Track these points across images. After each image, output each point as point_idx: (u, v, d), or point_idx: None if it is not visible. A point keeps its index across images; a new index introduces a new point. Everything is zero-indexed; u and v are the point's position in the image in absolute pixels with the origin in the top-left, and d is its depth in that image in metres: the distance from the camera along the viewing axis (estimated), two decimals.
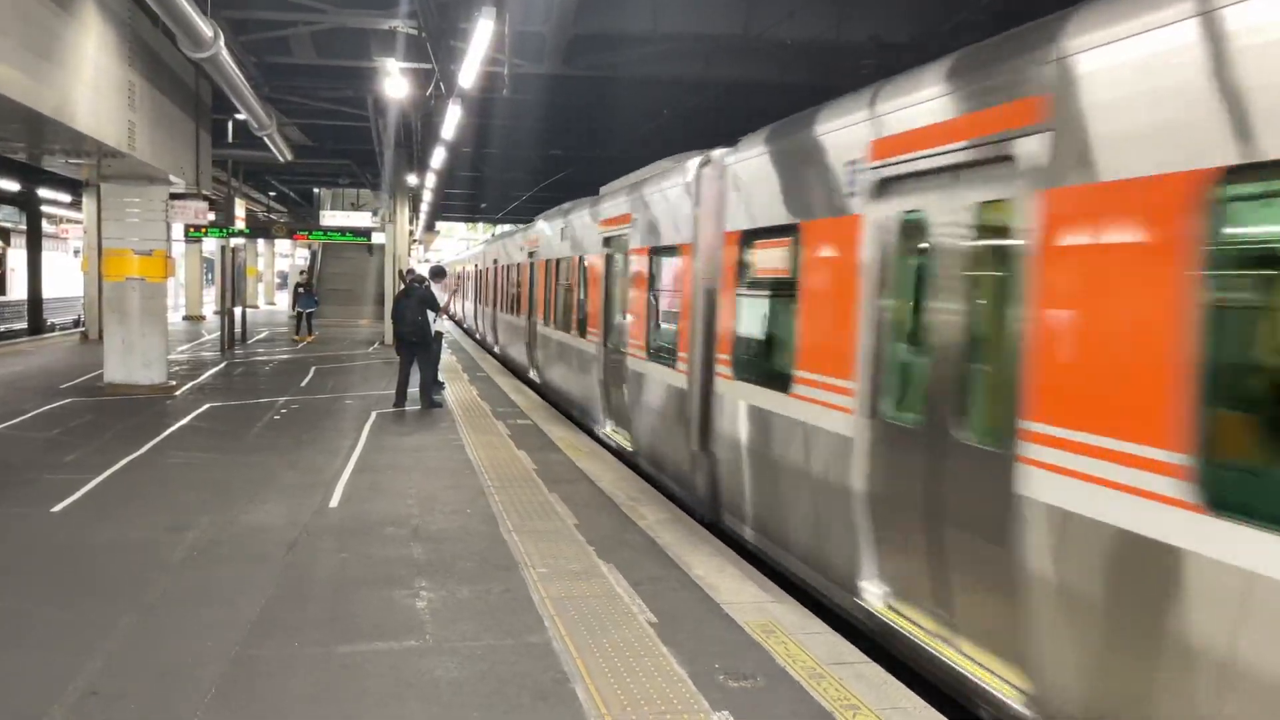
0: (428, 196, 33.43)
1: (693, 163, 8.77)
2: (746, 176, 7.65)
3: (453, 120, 16.66)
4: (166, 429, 11.77)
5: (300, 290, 28.65)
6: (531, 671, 4.79)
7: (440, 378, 15.06)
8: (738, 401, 7.51)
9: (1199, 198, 3.43)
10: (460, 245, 61.92)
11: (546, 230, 17.03)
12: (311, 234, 27.22)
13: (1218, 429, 3.40)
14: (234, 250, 24.47)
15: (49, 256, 36.91)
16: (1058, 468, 4.00)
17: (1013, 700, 4.28)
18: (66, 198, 31.07)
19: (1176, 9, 3.59)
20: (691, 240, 8.64)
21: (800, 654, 5.05)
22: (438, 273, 16.81)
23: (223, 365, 19.61)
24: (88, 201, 25.13)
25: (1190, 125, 3.48)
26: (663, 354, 9.43)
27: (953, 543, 4.76)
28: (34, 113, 9.50)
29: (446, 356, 19.36)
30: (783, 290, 6.87)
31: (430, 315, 13.87)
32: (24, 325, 32.47)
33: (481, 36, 10.75)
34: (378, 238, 25.19)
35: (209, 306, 37.85)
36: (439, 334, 14.71)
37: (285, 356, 21.80)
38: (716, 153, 8.55)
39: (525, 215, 34.84)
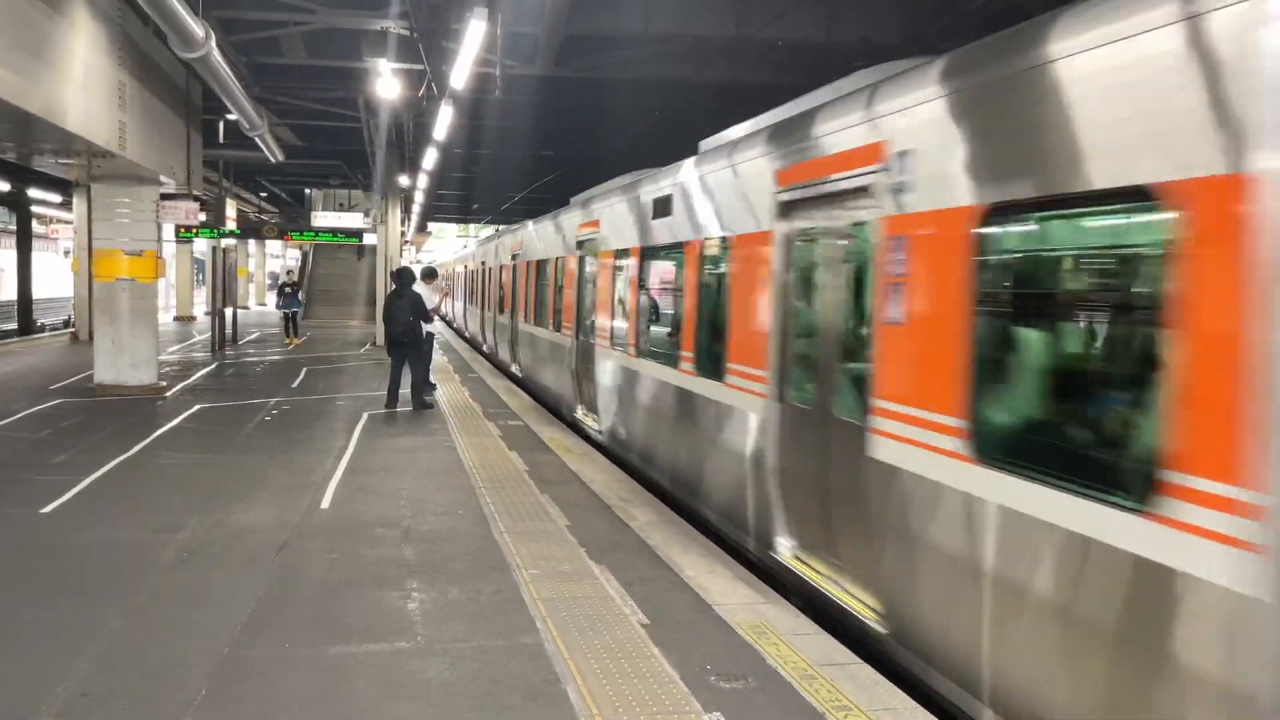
0: (419, 197, 33.40)
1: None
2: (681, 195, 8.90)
3: (444, 121, 16.64)
4: (157, 430, 11.74)
5: (287, 290, 27.59)
6: (523, 672, 4.80)
7: (432, 379, 15.07)
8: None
9: (969, 226, 4.46)
10: (458, 245, 61.75)
11: (521, 236, 19.28)
12: (302, 235, 27.14)
13: (983, 403, 4.46)
14: (225, 251, 24.37)
15: (39, 257, 36.72)
16: (890, 434, 5.09)
17: (871, 621, 5.28)
18: (56, 198, 30.88)
19: (940, 87, 4.80)
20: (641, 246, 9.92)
21: (791, 655, 5.06)
22: (429, 274, 16.79)
23: (213, 366, 19.57)
24: (78, 202, 25.03)
25: (958, 175, 4.60)
26: (619, 346, 10.74)
27: (836, 501, 5.86)
28: (23, 112, 9.46)
29: (438, 358, 19.34)
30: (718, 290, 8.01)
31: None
32: (13, 326, 32.32)
33: (473, 37, 10.73)
34: (369, 239, 25.13)
35: (200, 307, 37.76)
36: (430, 335, 14.70)
37: (276, 357, 21.75)
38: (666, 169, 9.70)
39: (517, 216, 34.81)
